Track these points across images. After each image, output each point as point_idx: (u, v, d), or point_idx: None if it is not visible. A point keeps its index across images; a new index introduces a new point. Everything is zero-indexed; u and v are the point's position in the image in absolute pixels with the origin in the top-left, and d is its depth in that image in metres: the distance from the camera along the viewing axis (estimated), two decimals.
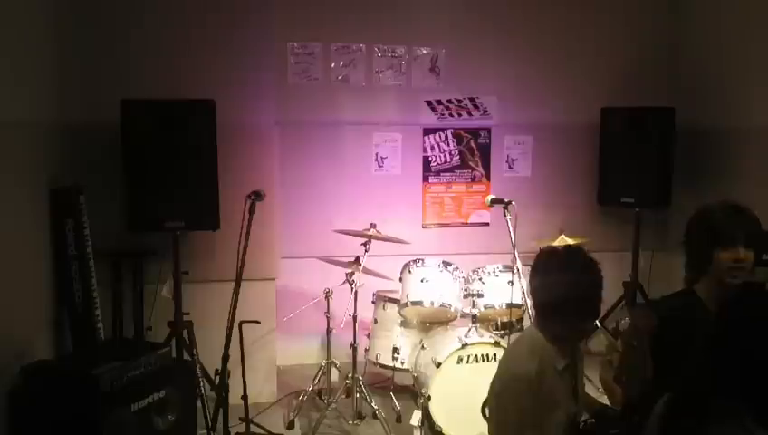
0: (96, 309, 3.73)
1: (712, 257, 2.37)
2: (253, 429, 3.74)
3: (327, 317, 4.19)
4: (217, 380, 3.69)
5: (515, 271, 3.86)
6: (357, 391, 4.08)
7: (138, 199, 3.78)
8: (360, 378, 4.10)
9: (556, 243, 4.49)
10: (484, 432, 3.77)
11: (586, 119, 5.07)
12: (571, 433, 2.34)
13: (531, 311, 3.96)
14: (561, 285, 2.28)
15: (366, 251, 4.17)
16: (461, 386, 3.77)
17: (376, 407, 4.01)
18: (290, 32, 4.80)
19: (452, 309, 4.15)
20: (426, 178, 5.18)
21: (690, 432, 1.78)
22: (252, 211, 3.62)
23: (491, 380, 2.43)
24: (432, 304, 4.11)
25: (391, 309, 4.31)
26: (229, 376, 3.63)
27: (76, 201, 3.67)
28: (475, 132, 5.21)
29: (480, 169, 5.25)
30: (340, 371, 4.35)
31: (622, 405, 2.41)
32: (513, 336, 3.93)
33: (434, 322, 4.26)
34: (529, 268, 4.33)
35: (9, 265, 3.04)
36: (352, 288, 4.09)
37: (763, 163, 4.47)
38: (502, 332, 4.09)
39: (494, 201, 3.88)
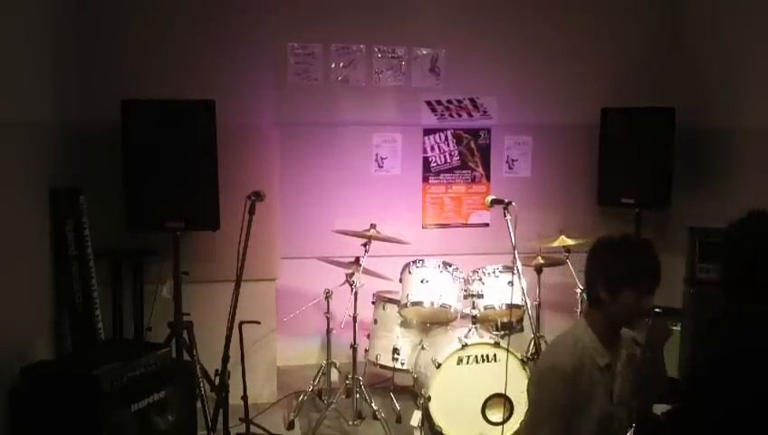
0: (96, 309, 3.73)
1: None
2: (253, 429, 3.74)
3: (327, 318, 4.19)
4: (217, 380, 3.68)
5: (515, 271, 3.86)
6: (357, 392, 4.08)
7: (138, 199, 3.77)
8: (360, 378, 4.10)
9: (556, 244, 4.49)
10: (485, 432, 3.80)
11: (586, 119, 5.07)
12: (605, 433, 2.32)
13: (530, 316, 3.96)
14: (629, 257, 2.25)
15: (366, 251, 4.17)
16: (461, 387, 3.78)
17: (376, 407, 4.01)
18: (290, 32, 4.80)
19: (452, 310, 4.14)
20: (426, 179, 5.18)
21: None
22: (252, 211, 3.62)
23: (533, 368, 2.43)
24: (432, 304, 4.10)
25: (391, 309, 4.31)
26: (229, 376, 3.62)
27: (76, 201, 3.67)
28: (475, 133, 5.21)
29: (480, 169, 5.24)
30: (340, 371, 4.35)
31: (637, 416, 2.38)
32: (514, 337, 3.94)
33: (434, 322, 4.26)
34: (530, 269, 4.40)
35: (9, 266, 3.04)
36: (352, 289, 4.09)
37: (763, 163, 4.47)
38: (502, 332, 4.09)
39: (493, 202, 3.88)
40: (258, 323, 3.74)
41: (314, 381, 4.29)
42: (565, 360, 2.23)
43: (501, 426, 3.76)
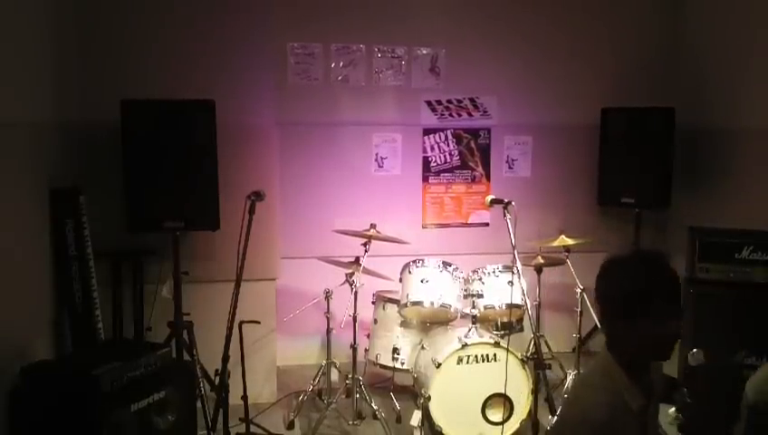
0: (96, 309, 3.73)
1: None
2: (253, 429, 3.74)
3: (327, 317, 4.19)
4: (217, 380, 3.68)
5: (515, 271, 3.86)
6: (357, 392, 4.08)
7: (137, 199, 3.77)
8: (360, 378, 4.10)
9: (556, 243, 4.49)
10: (485, 432, 3.80)
11: (586, 119, 5.07)
12: None
13: (530, 316, 3.97)
14: (645, 276, 1.93)
15: (366, 251, 4.17)
16: (461, 386, 3.78)
17: (376, 407, 4.01)
18: (290, 32, 4.80)
19: (452, 309, 4.14)
20: (426, 179, 5.18)
21: None
22: (252, 211, 3.62)
23: (559, 412, 2.17)
24: (432, 304, 4.10)
25: (391, 309, 4.31)
26: (229, 376, 3.62)
27: (76, 201, 3.67)
28: (475, 133, 5.21)
29: (480, 169, 5.24)
30: (340, 371, 4.35)
31: None
32: (514, 336, 3.93)
33: (434, 322, 4.26)
34: (530, 269, 4.40)
35: (9, 266, 3.04)
36: (352, 288, 4.09)
37: (763, 163, 4.47)
38: (502, 332, 4.09)
39: (493, 201, 3.87)
40: (258, 322, 3.74)
41: (314, 380, 4.29)
42: (598, 412, 1.90)
43: (501, 426, 3.77)
